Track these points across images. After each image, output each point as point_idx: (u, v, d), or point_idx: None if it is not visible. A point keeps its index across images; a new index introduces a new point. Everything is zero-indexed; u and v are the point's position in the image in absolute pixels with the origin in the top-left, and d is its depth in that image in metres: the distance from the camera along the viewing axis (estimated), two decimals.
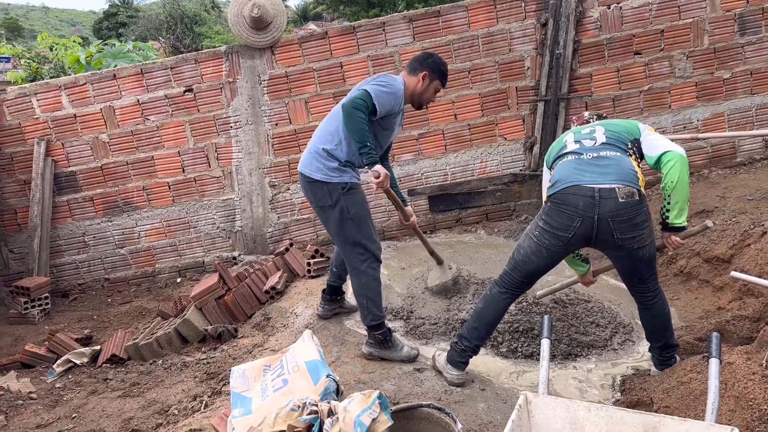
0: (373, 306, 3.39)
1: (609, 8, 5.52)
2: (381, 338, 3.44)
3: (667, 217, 2.92)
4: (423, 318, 4.03)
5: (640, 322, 3.25)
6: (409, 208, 3.83)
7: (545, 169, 3.17)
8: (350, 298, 4.09)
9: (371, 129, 3.23)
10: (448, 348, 3.28)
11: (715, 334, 2.22)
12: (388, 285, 4.51)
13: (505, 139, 5.81)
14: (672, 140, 2.95)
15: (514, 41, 5.59)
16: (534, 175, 5.79)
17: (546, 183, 3.07)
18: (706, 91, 5.73)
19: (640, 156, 2.96)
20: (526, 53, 5.62)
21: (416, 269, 4.83)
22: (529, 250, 3.02)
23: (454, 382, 3.17)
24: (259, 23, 5.28)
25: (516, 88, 5.69)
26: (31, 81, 9.67)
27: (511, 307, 3.99)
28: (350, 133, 3.19)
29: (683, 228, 2.96)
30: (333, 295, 4.05)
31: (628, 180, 2.75)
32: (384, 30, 5.51)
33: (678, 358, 3.18)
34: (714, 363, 2.13)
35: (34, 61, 9.33)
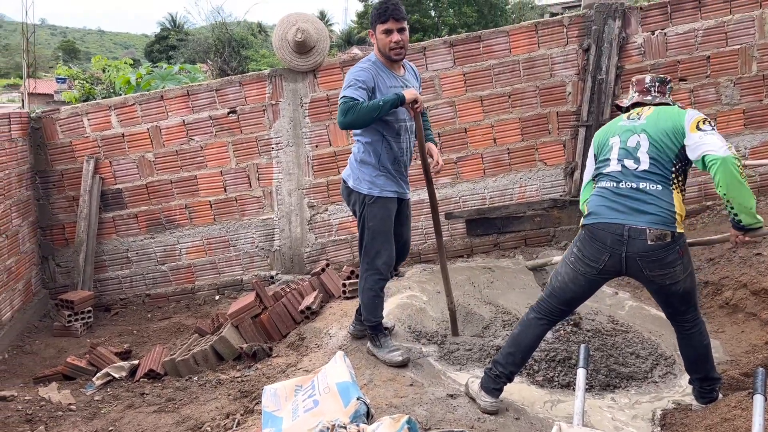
0: (365, 310, 3.62)
1: (653, 34, 5.46)
2: (371, 336, 3.67)
3: (740, 221, 2.76)
4: (458, 343, 3.98)
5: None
6: (432, 148, 3.55)
7: (591, 152, 3.11)
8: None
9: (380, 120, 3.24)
10: (482, 374, 3.23)
11: (761, 369, 2.14)
12: (423, 309, 4.48)
13: (545, 164, 5.75)
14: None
15: (556, 66, 5.56)
16: (575, 201, 5.70)
17: (590, 169, 3.07)
18: (754, 119, 5.58)
19: (688, 163, 2.81)
20: (568, 78, 5.59)
21: (452, 293, 4.77)
22: (566, 276, 2.97)
23: (488, 409, 3.11)
24: (303, 47, 5.39)
25: (557, 113, 5.65)
26: (84, 101, 10.06)
27: (549, 335, 3.92)
28: (364, 123, 3.15)
29: (759, 227, 2.78)
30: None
31: (662, 222, 2.69)
32: (425, 55, 5.56)
33: (720, 393, 3.06)
34: (759, 400, 2.05)
35: (87, 82, 9.72)
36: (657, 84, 3.06)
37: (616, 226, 2.73)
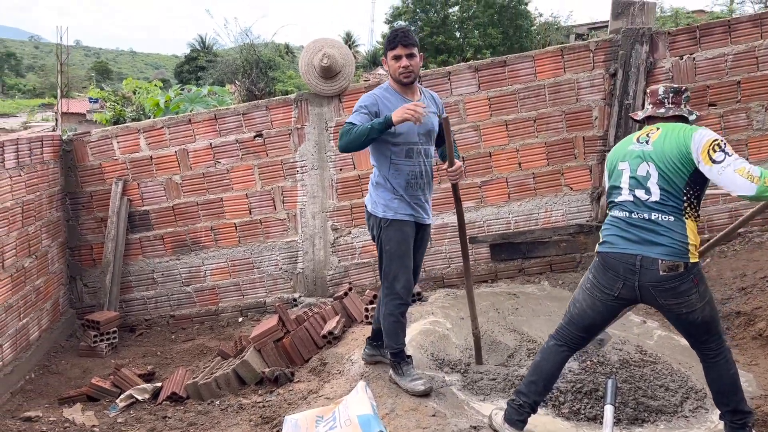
0: (386, 336, 3.57)
1: (681, 59, 5.40)
2: (393, 363, 3.61)
3: None
4: (481, 372, 3.92)
5: None
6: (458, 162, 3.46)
7: (605, 172, 3.08)
8: None
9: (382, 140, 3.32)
10: (506, 406, 3.17)
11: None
12: (446, 335, 4.43)
13: (571, 188, 5.69)
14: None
15: (582, 91, 5.53)
16: (601, 226, 5.62)
17: (605, 183, 3.06)
18: None
19: (702, 184, 2.73)
20: (594, 103, 5.54)
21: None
22: (584, 303, 2.96)
23: None
24: (328, 72, 5.44)
25: (583, 137, 5.60)
26: (115, 122, 10.28)
27: (575, 366, 3.85)
28: (356, 146, 3.25)
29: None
30: (376, 340, 3.99)
31: (674, 254, 2.67)
32: (450, 79, 5.57)
33: (753, 429, 2.96)
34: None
35: (118, 104, 9.93)
36: (671, 95, 2.94)
37: (629, 256, 2.74)
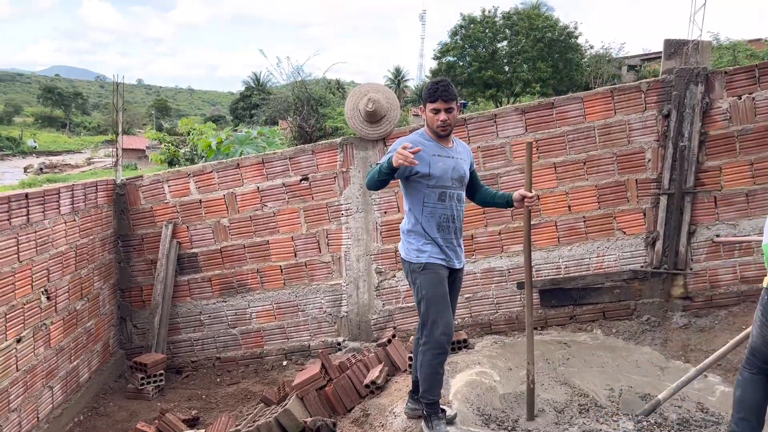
0: (423, 385, 3.49)
1: (740, 99, 5.18)
2: (426, 415, 3.53)
3: None
4: (530, 430, 3.75)
5: None
6: (517, 194, 3.59)
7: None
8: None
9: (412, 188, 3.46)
10: None
11: None
12: (493, 387, 4.27)
13: (624, 233, 5.49)
14: None
15: (634, 132, 5.36)
16: (657, 272, 5.39)
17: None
18: None
19: None
20: (647, 145, 5.37)
21: (524, 371, 4.55)
22: (759, 339, 2.98)
23: None
24: (373, 117, 5.45)
25: (636, 180, 5.41)
26: (169, 162, 10.59)
27: (630, 427, 3.66)
28: (372, 185, 3.37)
29: None
30: (418, 393, 3.86)
31: None
32: (495, 122, 5.50)
33: None
34: None
35: (172, 145, 10.23)
36: None
37: None
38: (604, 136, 5.40)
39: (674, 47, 5.29)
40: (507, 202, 3.65)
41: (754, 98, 5.17)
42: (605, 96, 5.37)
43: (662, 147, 5.33)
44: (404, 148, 3.12)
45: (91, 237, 5.30)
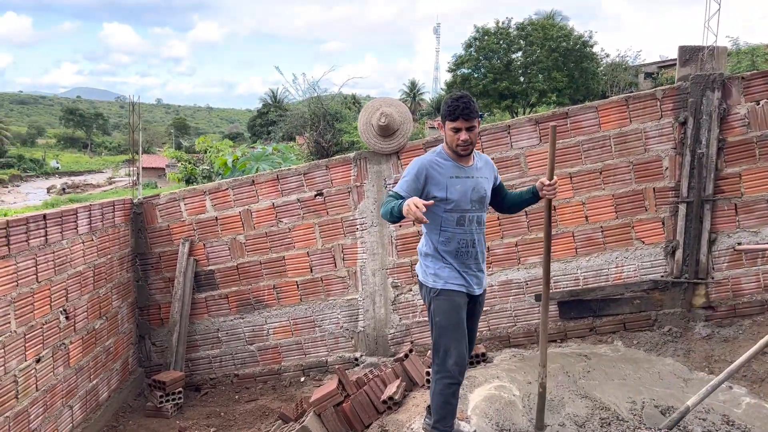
0: (435, 414, 3.36)
1: (758, 104, 5.10)
2: None
3: None
4: None
5: None
6: (539, 183, 3.45)
7: None
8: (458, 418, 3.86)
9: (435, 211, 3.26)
10: None
11: None
12: (512, 402, 4.21)
13: (643, 242, 5.41)
14: None
15: (650, 141, 5.30)
16: (677, 282, 5.29)
17: None
18: None
19: None
20: (664, 153, 5.30)
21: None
22: None
23: None
24: (386, 131, 5.46)
25: (653, 189, 5.34)
26: (187, 180, 10.70)
27: None
28: (387, 219, 3.15)
29: None
30: None
31: None
32: (509, 133, 5.47)
33: None
34: None
35: (190, 163, 10.33)
36: None
37: None
38: (620, 144, 5.34)
39: (689, 54, 5.23)
40: (534, 194, 3.49)
41: None
42: (620, 104, 5.32)
43: (680, 155, 5.26)
44: (417, 206, 2.84)
45: (109, 256, 5.34)
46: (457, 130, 3.20)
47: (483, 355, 5.20)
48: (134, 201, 5.87)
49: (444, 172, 3.25)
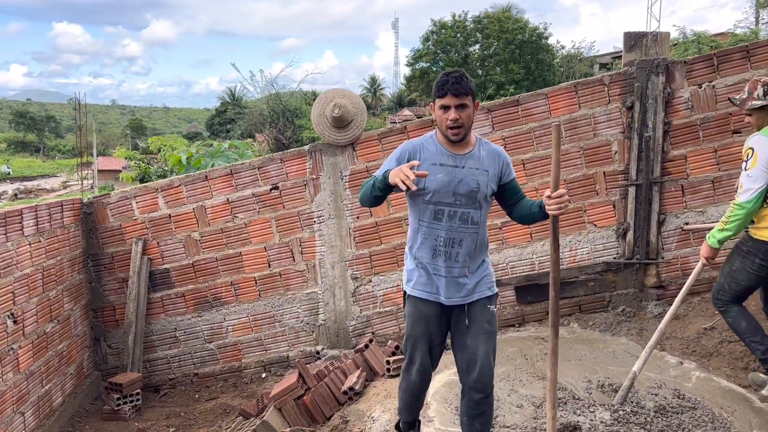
0: (399, 403, 3.35)
1: (700, 87, 5.25)
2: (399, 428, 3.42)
3: None
4: (508, 426, 3.74)
5: None
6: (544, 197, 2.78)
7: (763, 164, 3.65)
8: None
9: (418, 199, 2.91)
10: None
11: None
12: None
13: (595, 225, 5.52)
14: None
15: (599, 126, 5.41)
16: (629, 263, 5.42)
17: (760, 178, 3.64)
18: None
19: None
20: (613, 137, 5.41)
21: (502, 368, 4.54)
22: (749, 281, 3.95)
23: None
24: (340, 122, 5.44)
25: (604, 173, 5.45)
26: (141, 180, 10.49)
27: (606, 417, 3.67)
28: (365, 201, 2.88)
29: None
30: None
31: None
32: None
33: None
34: None
35: (143, 162, 10.13)
36: None
37: None
38: (570, 130, 5.44)
39: (634, 39, 5.35)
40: (541, 208, 2.83)
41: (714, 86, 5.24)
42: (569, 91, 5.41)
43: (628, 139, 5.38)
44: (411, 167, 2.54)
45: (59, 258, 5.20)
46: (445, 109, 2.76)
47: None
48: (84, 201, 5.72)
49: (427, 158, 2.84)
